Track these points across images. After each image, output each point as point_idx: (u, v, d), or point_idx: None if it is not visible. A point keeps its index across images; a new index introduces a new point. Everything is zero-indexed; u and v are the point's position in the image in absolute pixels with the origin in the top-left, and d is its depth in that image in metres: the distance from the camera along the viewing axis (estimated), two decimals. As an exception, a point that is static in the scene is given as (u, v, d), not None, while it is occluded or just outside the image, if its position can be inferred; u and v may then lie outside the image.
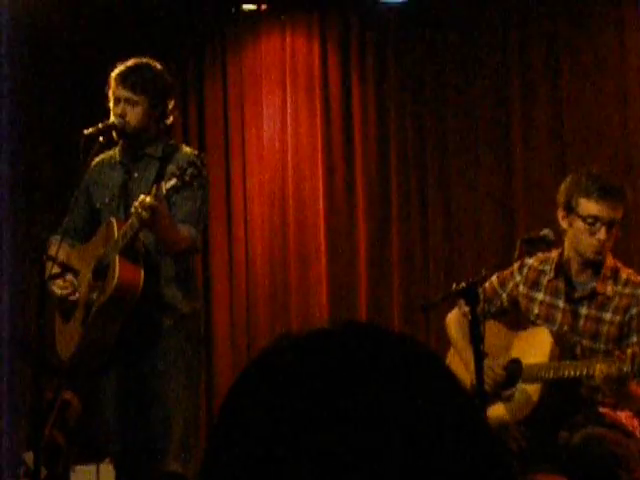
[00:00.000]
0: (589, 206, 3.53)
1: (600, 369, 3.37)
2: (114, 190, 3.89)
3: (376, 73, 6.36)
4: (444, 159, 6.16)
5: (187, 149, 3.93)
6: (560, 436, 3.59)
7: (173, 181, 3.44)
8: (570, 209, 3.58)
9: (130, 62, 3.89)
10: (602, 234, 3.52)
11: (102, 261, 3.72)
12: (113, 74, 3.87)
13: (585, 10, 5.88)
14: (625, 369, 3.34)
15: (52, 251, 3.85)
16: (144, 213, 3.46)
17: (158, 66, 3.94)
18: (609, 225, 3.52)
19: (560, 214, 3.64)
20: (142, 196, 3.50)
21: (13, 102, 6.29)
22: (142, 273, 3.65)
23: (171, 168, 3.53)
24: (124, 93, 3.83)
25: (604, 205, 3.51)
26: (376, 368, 0.80)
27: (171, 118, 3.96)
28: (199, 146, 6.52)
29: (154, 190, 3.47)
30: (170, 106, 3.92)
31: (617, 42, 5.80)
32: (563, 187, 3.63)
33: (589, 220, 3.53)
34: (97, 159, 3.97)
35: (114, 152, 3.95)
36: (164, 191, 3.45)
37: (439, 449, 0.78)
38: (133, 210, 3.52)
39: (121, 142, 3.91)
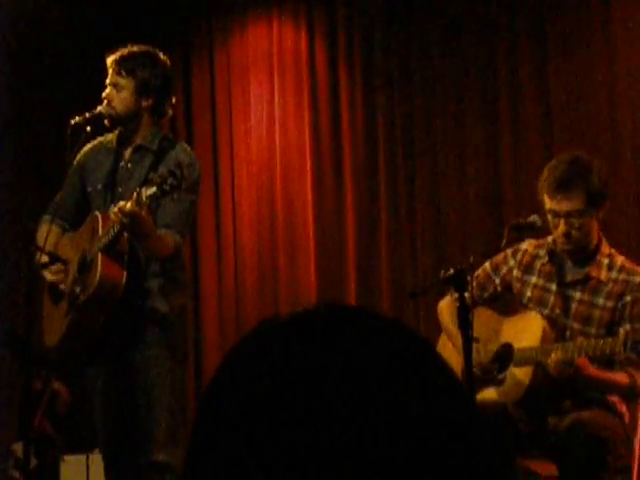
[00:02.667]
0: (547, 201, 3.64)
1: (588, 344, 3.42)
2: (106, 177, 3.86)
3: (363, 62, 6.35)
4: (432, 147, 6.16)
5: (183, 147, 3.85)
6: (549, 421, 3.60)
7: (153, 189, 3.41)
8: (544, 205, 3.68)
9: (126, 48, 3.86)
10: (561, 227, 3.60)
11: (86, 255, 3.71)
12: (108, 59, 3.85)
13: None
14: (617, 349, 3.37)
15: (41, 235, 3.83)
16: (124, 219, 3.45)
17: (157, 56, 3.88)
18: (566, 216, 3.58)
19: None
20: (122, 202, 3.48)
21: (0, 93, 6.27)
22: (124, 273, 3.63)
23: (154, 177, 3.48)
24: (111, 77, 3.81)
25: (557, 199, 3.60)
26: (362, 350, 0.80)
27: (168, 113, 3.92)
28: (187, 135, 6.51)
29: (135, 196, 3.45)
30: (168, 100, 3.86)
31: (604, 31, 5.80)
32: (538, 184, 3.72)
33: (550, 215, 3.62)
34: (94, 141, 3.93)
35: (112, 136, 3.92)
36: (144, 198, 3.42)
37: (427, 431, 0.78)
38: (113, 214, 3.50)
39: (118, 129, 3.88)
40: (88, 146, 3.94)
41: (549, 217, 3.65)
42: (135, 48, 3.86)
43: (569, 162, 3.65)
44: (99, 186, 3.86)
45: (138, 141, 3.83)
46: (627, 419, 3.66)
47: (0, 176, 6.35)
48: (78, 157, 3.94)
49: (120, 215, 3.45)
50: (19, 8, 6.15)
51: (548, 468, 3.53)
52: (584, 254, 3.67)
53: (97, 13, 6.42)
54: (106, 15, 6.41)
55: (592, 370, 3.49)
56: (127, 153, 3.84)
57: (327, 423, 0.77)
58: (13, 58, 6.33)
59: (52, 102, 6.41)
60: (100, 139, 3.93)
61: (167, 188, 3.39)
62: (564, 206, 3.59)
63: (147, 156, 3.80)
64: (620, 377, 3.55)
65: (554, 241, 3.74)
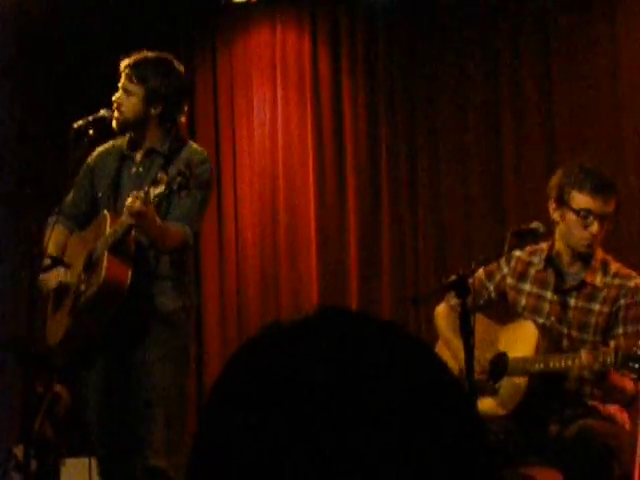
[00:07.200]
0: (583, 200, 3.55)
1: (585, 360, 3.38)
2: (111, 181, 3.87)
3: (366, 66, 6.35)
4: (434, 152, 6.16)
5: (193, 147, 3.86)
6: (550, 429, 3.59)
7: (161, 189, 3.43)
8: (563, 202, 3.60)
9: (141, 54, 3.86)
10: (594, 228, 3.55)
11: (92, 255, 3.72)
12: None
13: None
14: (609, 360, 3.34)
15: (47, 235, 3.84)
16: (130, 219, 3.48)
17: (172, 64, 3.87)
18: (601, 219, 3.54)
19: (552, 206, 3.65)
20: (130, 200, 3.49)
21: (3, 96, 6.27)
22: (130, 272, 3.64)
23: (162, 176, 3.50)
24: (123, 82, 3.82)
25: (597, 199, 3.54)
26: (362, 356, 0.80)
27: (182, 118, 3.90)
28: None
29: (142, 195, 3.47)
30: (179, 108, 3.85)
31: (609, 34, 5.80)
32: (555, 179, 3.65)
33: (582, 213, 3.55)
34: (107, 145, 3.94)
35: (122, 141, 3.91)
36: (151, 198, 3.45)
37: (427, 435, 0.77)
38: (124, 212, 3.53)
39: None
40: (99, 149, 3.94)
41: (573, 217, 3.57)
42: (150, 55, 3.87)
43: (598, 168, 3.64)
44: (106, 190, 3.87)
45: (148, 145, 3.84)
46: (628, 427, 3.65)
47: (2, 179, 6.35)
48: (89, 160, 3.94)
49: (128, 213, 3.48)
50: (23, 15, 6.16)
51: (553, 476, 3.52)
52: (585, 258, 3.66)
53: (99, 18, 6.42)
54: (108, 20, 6.42)
55: (617, 378, 3.48)
56: (138, 157, 3.85)
57: (330, 428, 0.78)
58: (18, 64, 6.34)
59: (56, 106, 6.41)
60: (112, 142, 3.93)
61: (175, 187, 3.43)
62: (604, 208, 3.55)
63: (157, 159, 3.82)
64: (628, 383, 3.53)
65: (550, 247, 3.71)
